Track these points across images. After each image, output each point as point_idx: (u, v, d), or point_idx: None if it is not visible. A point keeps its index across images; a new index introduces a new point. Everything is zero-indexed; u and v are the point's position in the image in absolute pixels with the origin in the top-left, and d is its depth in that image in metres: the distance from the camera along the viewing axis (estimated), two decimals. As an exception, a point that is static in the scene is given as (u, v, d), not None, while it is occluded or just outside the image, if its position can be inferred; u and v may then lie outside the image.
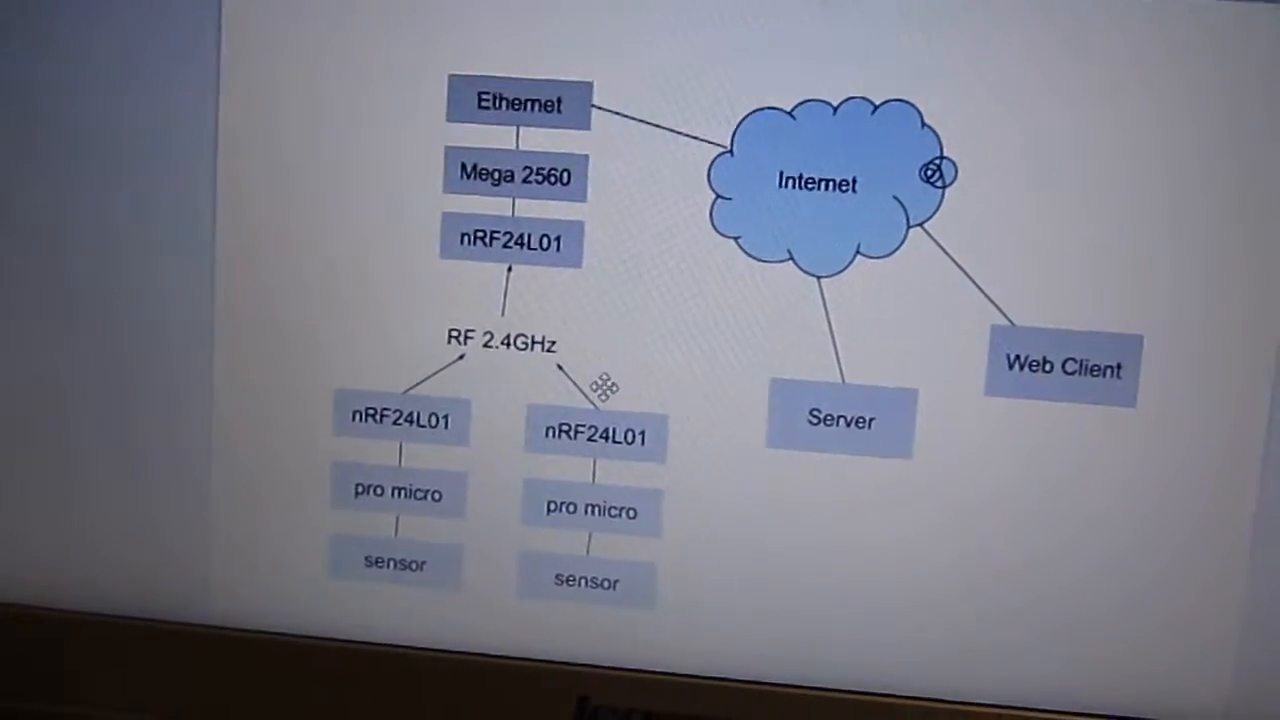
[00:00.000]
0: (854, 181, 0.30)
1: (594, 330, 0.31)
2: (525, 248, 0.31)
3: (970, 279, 0.30)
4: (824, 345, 0.30)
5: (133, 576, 0.33)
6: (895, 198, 0.30)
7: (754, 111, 0.30)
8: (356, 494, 0.32)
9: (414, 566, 0.32)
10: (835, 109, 0.29)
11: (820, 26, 0.29)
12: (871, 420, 0.30)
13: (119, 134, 0.31)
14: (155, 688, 0.33)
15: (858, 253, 0.30)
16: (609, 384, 0.31)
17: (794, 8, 0.29)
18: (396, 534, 0.32)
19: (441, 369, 0.31)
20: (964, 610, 0.31)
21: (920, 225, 0.30)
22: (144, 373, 0.32)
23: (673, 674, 0.32)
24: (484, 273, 0.31)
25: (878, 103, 0.29)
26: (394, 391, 0.31)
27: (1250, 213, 0.29)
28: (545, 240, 0.30)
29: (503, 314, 0.31)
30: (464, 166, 0.30)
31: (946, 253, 0.30)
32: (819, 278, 0.30)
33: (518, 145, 0.30)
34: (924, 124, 0.29)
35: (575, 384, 0.31)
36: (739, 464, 0.31)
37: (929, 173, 0.29)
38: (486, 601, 0.32)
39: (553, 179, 0.30)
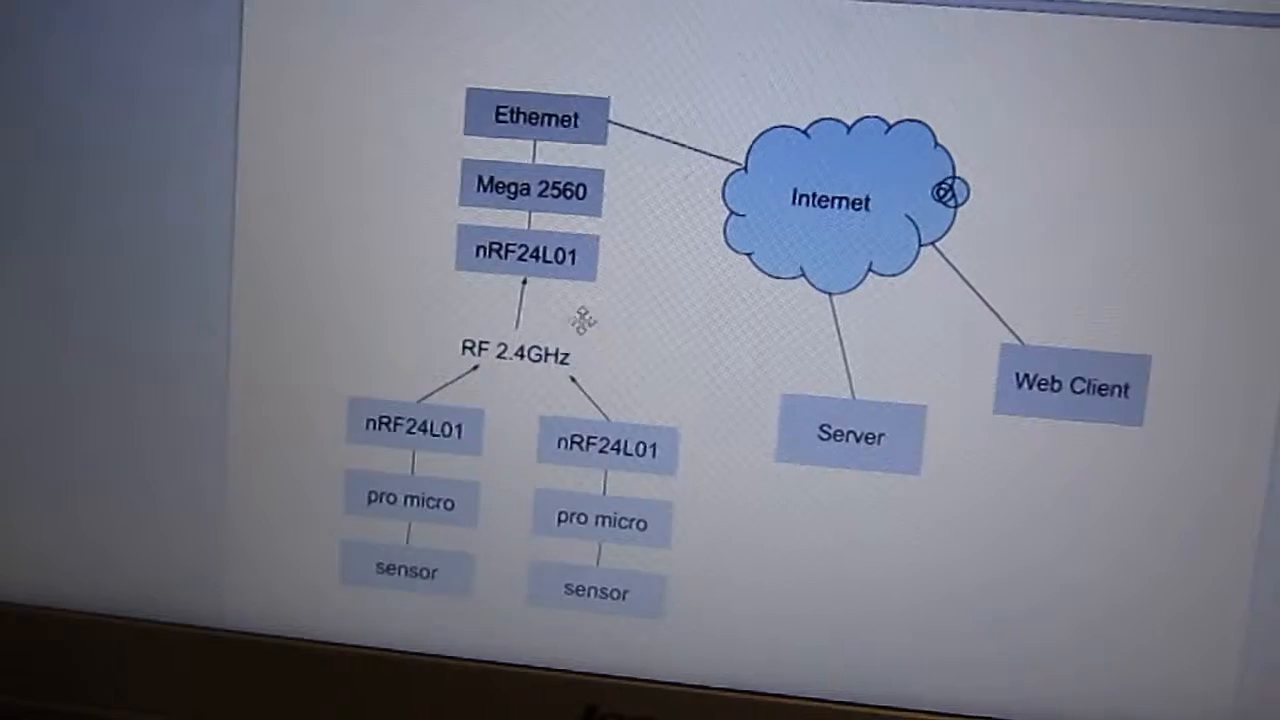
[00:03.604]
0: (867, 200, 0.30)
1: (607, 343, 0.31)
2: (540, 261, 0.31)
3: (980, 298, 0.30)
4: (835, 361, 0.30)
5: (147, 580, 0.33)
6: (907, 216, 0.30)
7: (769, 129, 0.30)
8: (369, 501, 0.32)
9: (425, 574, 0.32)
10: (849, 128, 0.30)
11: (835, 46, 0.29)
12: (881, 436, 0.31)
13: (137, 143, 0.31)
14: (167, 691, 0.34)
15: (869, 270, 0.30)
16: (586, 317, 0.31)
17: (810, 27, 0.29)
18: (408, 542, 0.32)
19: (455, 379, 0.31)
20: (972, 624, 0.31)
21: (932, 244, 0.30)
22: (160, 379, 0.32)
23: (681, 684, 0.32)
24: (499, 285, 0.31)
25: (891, 122, 0.30)
26: (408, 401, 0.32)
27: (1258, 234, 0.29)
28: (560, 254, 0.31)
29: (517, 326, 0.31)
30: (480, 179, 0.31)
31: (957, 272, 0.30)
32: (831, 295, 0.30)
33: (534, 159, 0.30)
34: (937, 144, 0.29)
35: (588, 396, 0.31)
36: (749, 477, 0.31)
37: (941, 192, 0.30)
38: (496, 610, 0.32)
39: (568, 193, 0.30)
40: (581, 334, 0.30)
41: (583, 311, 0.30)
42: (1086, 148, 0.29)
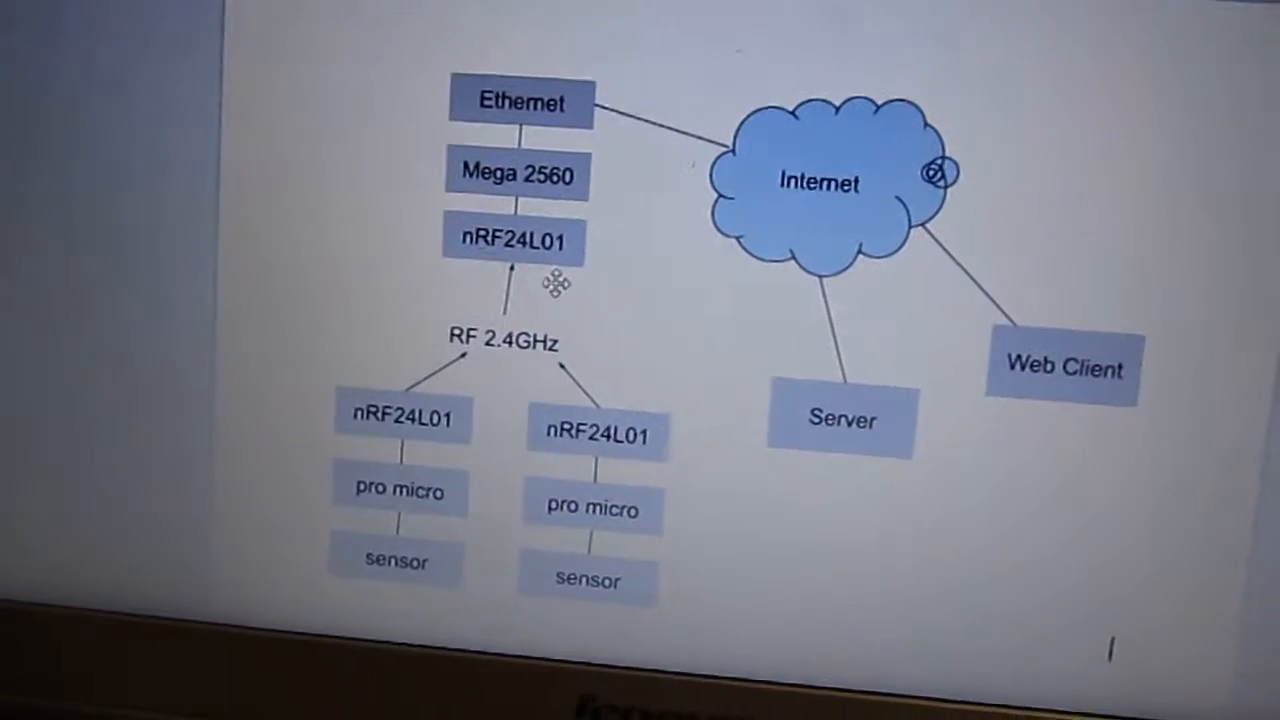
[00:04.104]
0: (856, 181, 0.30)
1: (596, 329, 0.31)
2: (528, 246, 0.31)
3: (972, 279, 0.30)
4: (826, 345, 0.30)
5: (134, 573, 0.33)
6: (897, 198, 0.30)
7: (756, 111, 0.30)
8: (358, 491, 0.32)
9: (415, 564, 0.32)
10: (838, 109, 0.29)
11: (823, 27, 0.29)
12: (873, 420, 0.30)
13: (121, 132, 0.31)
14: (156, 684, 0.33)
15: (859, 252, 0.30)
16: (560, 279, 0.30)
17: (797, 8, 0.29)
18: (398, 531, 0.32)
19: (443, 367, 0.31)
20: (965, 609, 0.31)
21: (922, 225, 0.30)
22: (147, 370, 0.32)
23: (674, 672, 0.32)
24: (486, 271, 0.31)
25: (880, 103, 0.29)
26: (396, 389, 0.31)
27: (1252, 213, 0.29)
28: (548, 239, 0.30)
29: (505, 312, 0.31)
30: (466, 165, 0.30)
31: (948, 253, 0.30)
32: (821, 277, 0.30)
33: (520, 144, 0.30)
34: (926, 124, 0.29)
35: (577, 382, 0.31)
36: (740, 463, 0.31)
37: (931, 173, 0.29)
38: (488, 599, 0.32)
39: (555, 178, 0.30)
40: (556, 297, 0.30)
41: (556, 274, 0.30)
42: (1077, 127, 0.29)
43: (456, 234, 0.31)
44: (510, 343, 0.31)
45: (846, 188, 0.30)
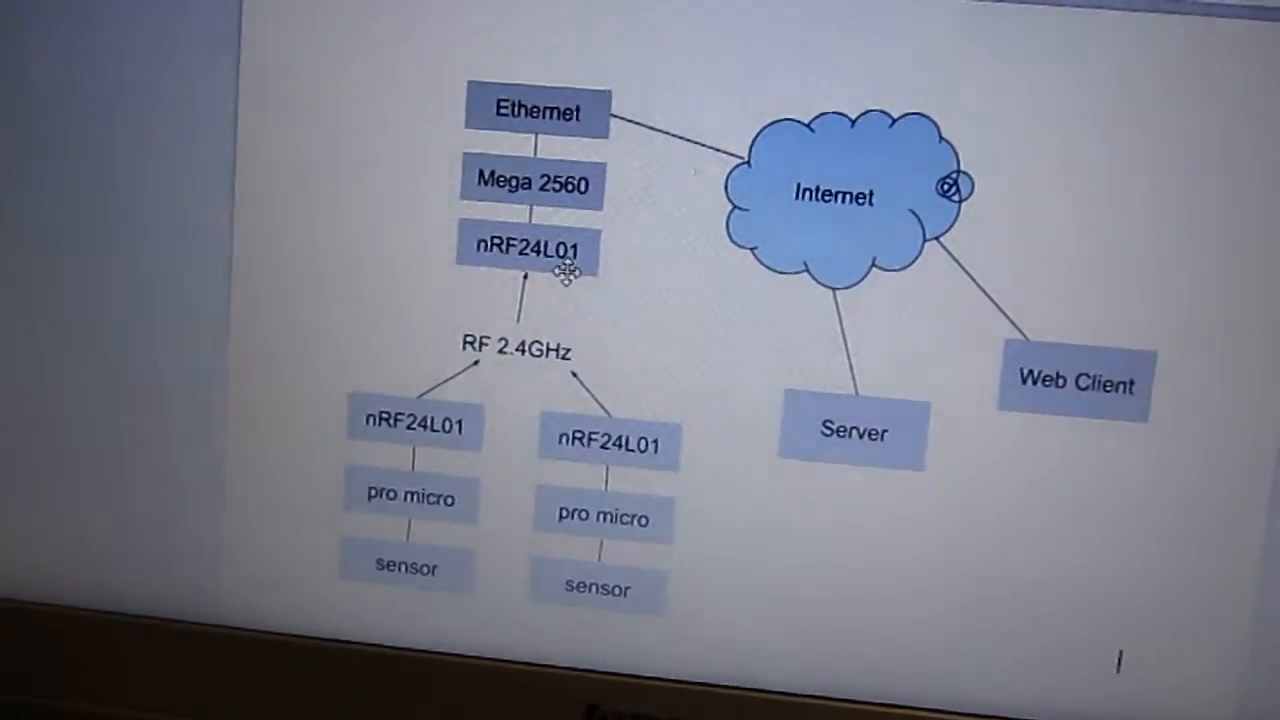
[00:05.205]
0: (871, 194, 0.30)
1: (609, 338, 0.31)
2: (541, 255, 0.31)
3: (985, 293, 0.30)
4: (838, 357, 0.30)
5: (145, 576, 0.33)
6: (911, 211, 0.30)
7: (772, 123, 0.30)
8: (369, 497, 0.32)
9: (425, 570, 0.32)
10: (853, 122, 0.29)
11: (839, 39, 0.29)
12: (884, 432, 0.30)
13: (136, 136, 0.31)
14: (165, 687, 0.33)
15: (873, 265, 0.30)
16: (571, 268, 0.30)
17: (814, 20, 0.29)
18: (408, 538, 0.32)
19: (456, 374, 0.31)
20: (974, 622, 0.31)
21: (936, 239, 0.30)
22: (159, 373, 0.32)
23: (682, 681, 0.32)
24: (500, 279, 0.31)
25: (896, 116, 0.29)
26: (408, 396, 0.32)
27: (1266, 230, 0.29)
28: (562, 248, 0.31)
29: (518, 321, 0.31)
30: (481, 173, 0.30)
31: (962, 266, 0.30)
32: (834, 289, 0.30)
33: (536, 153, 0.30)
34: (941, 138, 0.29)
35: (589, 391, 0.31)
36: (751, 473, 0.31)
37: (945, 186, 0.29)
38: (497, 606, 0.32)
39: (570, 187, 0.30)
40: (567, 285, 0.30)
41: (568, 263, 0.30)
42: (1092, 142, 0.29)
43: (471, 241, 0.31)
44: (523, 351, 0.31)
45: (861, 201, 0.30)
